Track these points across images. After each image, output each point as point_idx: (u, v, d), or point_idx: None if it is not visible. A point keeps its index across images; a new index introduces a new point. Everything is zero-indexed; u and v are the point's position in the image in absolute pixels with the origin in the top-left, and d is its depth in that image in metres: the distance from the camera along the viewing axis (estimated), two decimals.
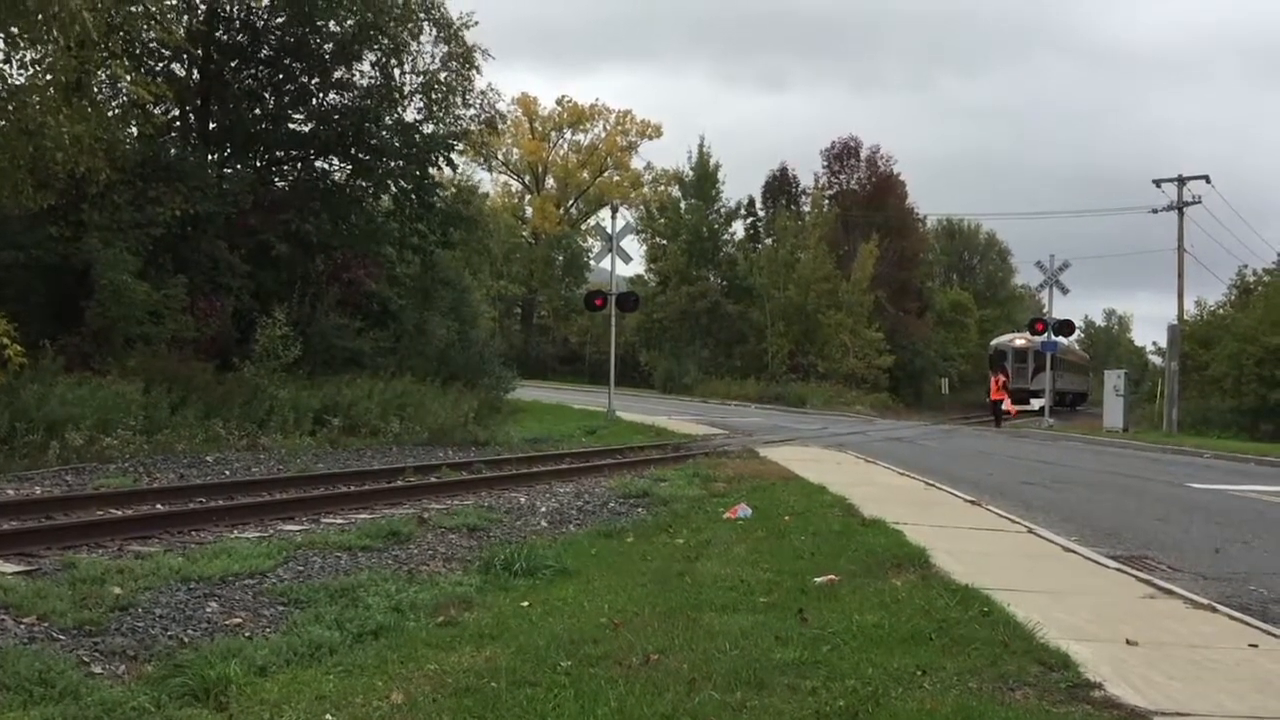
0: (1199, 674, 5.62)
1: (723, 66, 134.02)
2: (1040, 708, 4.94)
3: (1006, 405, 40.75)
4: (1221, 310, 41.81)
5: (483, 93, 25.55)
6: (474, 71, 24.92)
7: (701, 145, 60.86)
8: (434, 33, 24.46)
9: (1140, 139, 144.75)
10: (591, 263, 60.83)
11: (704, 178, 60.10)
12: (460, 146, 26.70)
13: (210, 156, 23.16)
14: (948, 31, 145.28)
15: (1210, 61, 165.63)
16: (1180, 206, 40.67)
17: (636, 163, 73.67)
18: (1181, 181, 40.81)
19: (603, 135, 72.86)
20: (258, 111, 24.35)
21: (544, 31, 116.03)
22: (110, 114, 18.88)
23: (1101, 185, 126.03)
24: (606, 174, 73.35)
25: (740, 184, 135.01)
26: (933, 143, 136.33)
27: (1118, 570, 8.88)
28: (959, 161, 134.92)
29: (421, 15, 24.02)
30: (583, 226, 72.35)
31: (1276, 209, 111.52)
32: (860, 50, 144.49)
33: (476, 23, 24.73)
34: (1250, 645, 6.32)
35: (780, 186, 63.14)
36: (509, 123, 48.76)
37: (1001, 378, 41.84)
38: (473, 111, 25.64)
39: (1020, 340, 52.12)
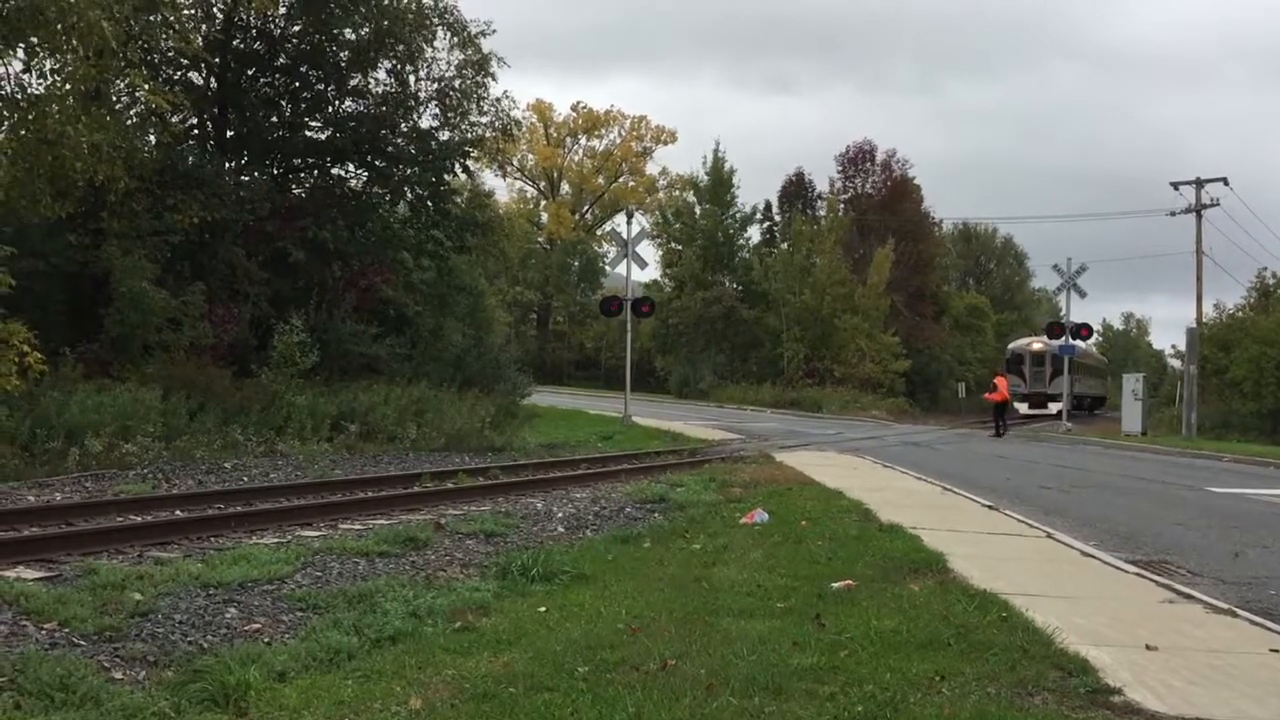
0: (1220, 679, 5.58)
1: (732, 71, 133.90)
2: (1060, 713, 4.91)
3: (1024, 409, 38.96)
4: (1241, 313, 41.55)
5: (498, 100, 25.65)
6: (489, 79, 25.03)
7: (716, 150, 60.93)
8: (449, 39, 24.57)
9: (1154, 141, 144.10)
10: (607, 268, 61.03)
11: (718, 183, 60.08)
12: (475, 153, 26.78)
13: (228, 164, 23.30)
14: (955, 35, 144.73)
15: (1224, 63, 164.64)
16: (1199, 209, 40.49)
17: (651, 168, 73.88)
18: (1200, 184, 40.64)
19: (617, 141, 73.07)
20: (275, 119, 24.49)
21: (552, 36, 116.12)
22: (128, 122, 19.04)
23: (1115, 188, 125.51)
24: (621, 179, 73.47)
25: (754, 188, 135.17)
26: (941, 146, 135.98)
27: (1136, 575, 8.83)
28: (968, 164, 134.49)
29: (436, 20, 24.12)
30: (598, 232, 72.49)
31: None
32: (868, 53, 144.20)
33: (494, 30, 24.84)
34: (1271, 650, 6.27)
35: (797, 191, 63.13)
36: (524, 129, 48.80)
37: (1004, 380, 37.88)
38: (488, 118, 25.75)
39: (1038, 344, 51.88)
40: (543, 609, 7.09)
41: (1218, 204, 40.90)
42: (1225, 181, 40.91)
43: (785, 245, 59.27)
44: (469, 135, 25.67)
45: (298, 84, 24.42)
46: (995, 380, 37.70)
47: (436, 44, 24.49)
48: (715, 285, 58.20)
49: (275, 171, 25.00)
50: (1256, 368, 35.44)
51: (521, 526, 11.29)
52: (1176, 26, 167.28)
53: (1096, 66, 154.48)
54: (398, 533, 10.01)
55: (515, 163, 68.25)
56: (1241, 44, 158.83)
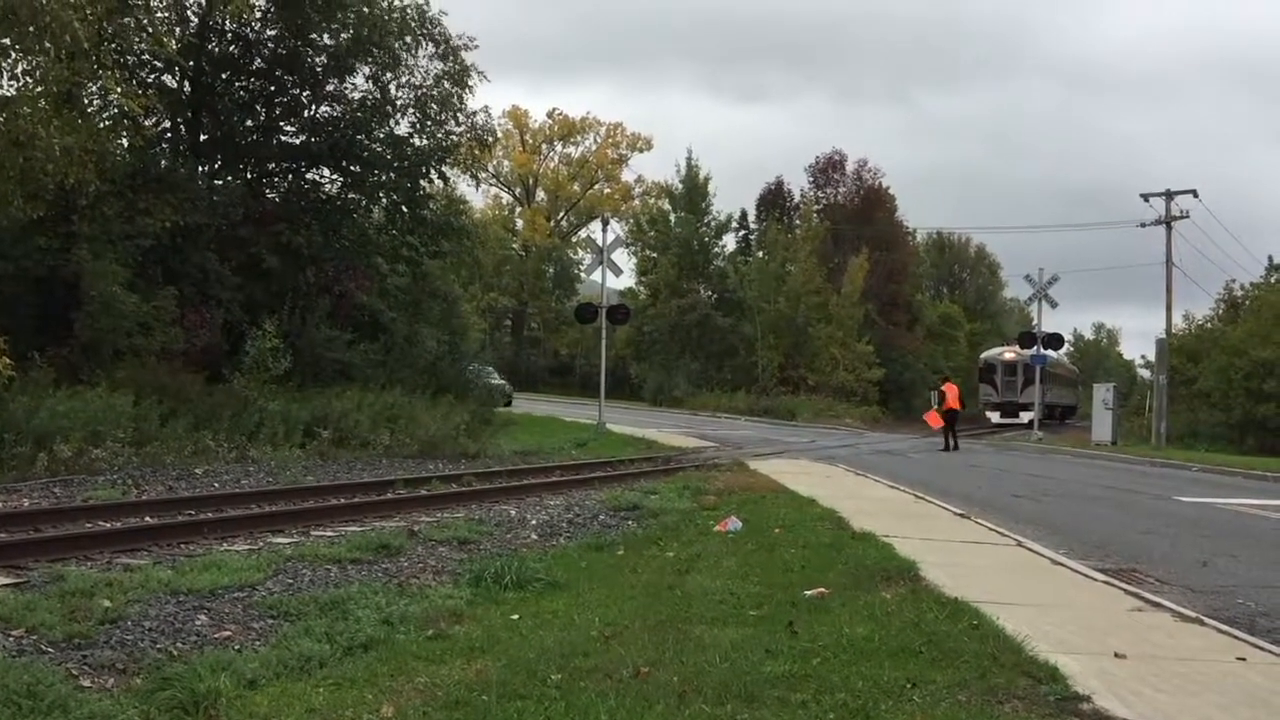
0: (1187, 687, 5.63)
1: (707, 79, 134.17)
2: None
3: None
4: (1210, 324, 41.99)
5: (473, 114, 25.65)
6: (467, 91, 25.01)
7: (690, 158, 61.11)
8: (430, 48, 24.53)
9: (1123, 155, 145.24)
10: (582, 275, 60.94)
11: (693, 190, 60.23)
12: (451, 159, 26.76)
13: (201, 168, 23.15)
14: (926, 47, 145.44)
15: (1191, 78, 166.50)
16: (1168, 221, 40.82)
17: (627, 175, 73.90)
18: (1169, 196, 40.97)
19: (593, 148, 73.04)
20: (249, 123, 24.37)
21: (528, 42, 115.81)
22: (101, 125, 18.88)
23: (1086, 200, 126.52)
24: (597, 186, 73.46)
25: (729, 197, 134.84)
26: (914, 156, 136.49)
27: (1106, 583, 8.90)
28: (941, 175, 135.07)
29: (420, 31, 24.08)
30: (573, 239, 72.43)
31: (1262, 223, 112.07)
32: (839, 64, 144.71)
33: (477, 45, 24.85)
34: (1238, 659, 6.34)
35: (774, 200, 63.37)
36: (499, 135, 48.67)
37: (949, 388, 31.65)
38: (463, 129, 25.71)
39: (1010, 353, 52.30)
40: (516, 616, 7.08)
41: (1187, 216, 41.22)
42: (1195, 194, 41.25)
43: (761, 254, 59.47)
44: (445, 143, 25.63)
45: (273, 88, 24.31)
46: (946, 388, 31.85)
47: (419, 52, 24.48)
48: (690, 293, 58.32)
49: (249, 176, 24.85)
50: (1225, 378, 35.83)
51: (495, 533, 11.25)
52: (1147, 41, 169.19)
53: (1066, 79, 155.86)
54: (370, 540, 9.95)
55: (491, 169, 68.11)
56: (1208, 58, 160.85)
